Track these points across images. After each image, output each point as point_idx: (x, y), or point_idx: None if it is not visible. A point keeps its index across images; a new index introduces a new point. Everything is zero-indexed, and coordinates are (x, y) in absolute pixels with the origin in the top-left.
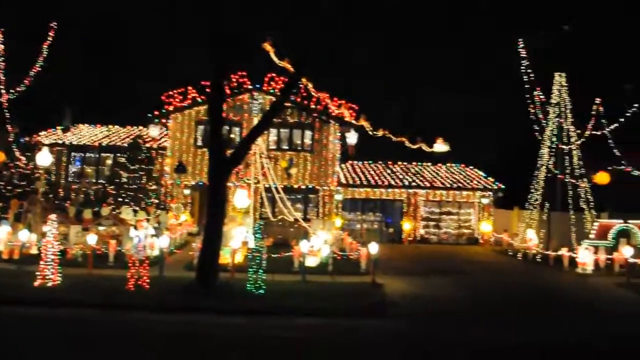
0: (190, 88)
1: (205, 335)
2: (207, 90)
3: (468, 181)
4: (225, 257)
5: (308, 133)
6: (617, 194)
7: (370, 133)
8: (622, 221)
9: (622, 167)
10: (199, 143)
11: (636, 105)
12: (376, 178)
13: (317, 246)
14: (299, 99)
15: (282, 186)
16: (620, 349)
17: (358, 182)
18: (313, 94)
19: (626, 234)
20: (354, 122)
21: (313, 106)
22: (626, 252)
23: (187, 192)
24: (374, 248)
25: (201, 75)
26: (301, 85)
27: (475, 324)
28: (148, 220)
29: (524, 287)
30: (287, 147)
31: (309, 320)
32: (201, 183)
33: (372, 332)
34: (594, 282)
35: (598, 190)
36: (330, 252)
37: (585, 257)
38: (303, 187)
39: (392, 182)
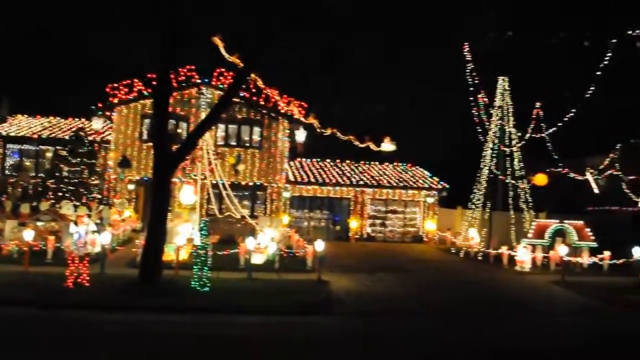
0: (136, 80)
1: (149, 334)
2: (154, 83)
3: (414, 180)
4: (169, 254)
5: (256, 129)
6: (555, 195)
7: (319, 131)
8: (558, 221)
9: (559, 169)
10: (145, 137)
11: (574, 110)
12: (324, 176)
13: (263, 243)
14: (247, 95)
15: (230, 183)
16: (555, 347)
17: (306, 179)
18: (262, 90)
19: (562, 233)
20: (303, 119)
21: (262, 102)
22: (561, 250)
23: (131, 187)
24: (320, 245)
25: (148, 67)
26: (250, 81)
27: (419, 322)
28: (89, 215)
29: (465, 285)
30: (235, 144)
31: (254, 318)
32: (146, 178)
33: (318, 329)
34: (531, 280)
35: (537, 191)
36: (277, 249)
37: (524, 255)
38: (251, 184)
39: (340, 180)
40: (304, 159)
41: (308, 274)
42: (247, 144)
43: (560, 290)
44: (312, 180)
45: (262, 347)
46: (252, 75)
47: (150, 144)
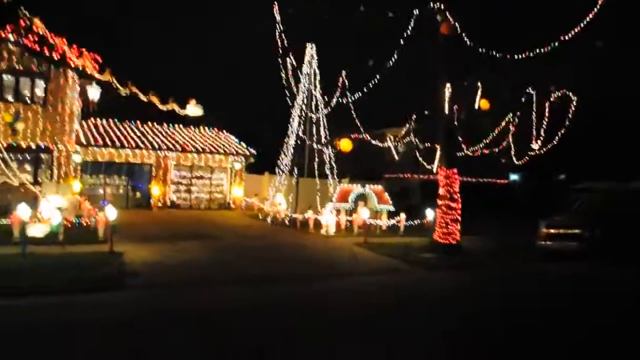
0: None
1: None
2: None
3: (221, 145)
4: None
5: (40, 83)
6: (356, 162)
7: (117, 89)
8: (360, 186)
9: (363, 136)
10: None
11: (376, 79)
12: (122, 139)
13: (46, 213)
14: (28, 42)
15: (6, 144)
16: (362, 304)
17: (101, 142)
18: (47, 38)
19: (363, 197)
20: (97, 74)
21: (47, 52)
22: (363, 214)
23: None
24: (112, 213)
25: None
26: (35, 27)
27: (222, 290)
28: None
29: (272, 250)
30: (12, 99)
31: (30, 300)
32: None
33: (102, 307)
34: (336, 243)
35: (341, 157)
36: (63, 219)
37: (329, 219)
38: (33, 146)
39: (140, 144)
40: (99, 120)
41: (100, 245)
42: (28, 100)
43: (364, 252)
44: (108, 142)
45: (33, 332)
46: (36, 21)
47: None
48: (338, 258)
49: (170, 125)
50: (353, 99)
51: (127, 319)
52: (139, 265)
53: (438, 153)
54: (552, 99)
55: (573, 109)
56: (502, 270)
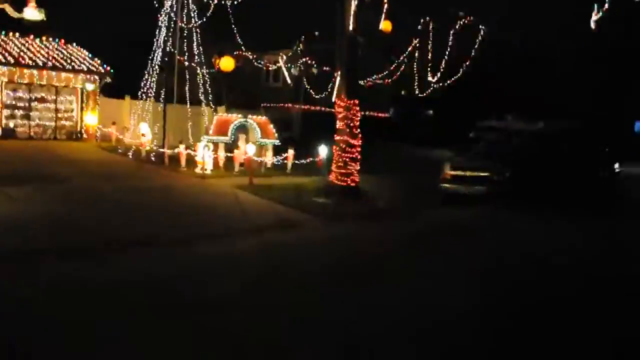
0: None
1: None
2: None
3: (69, 61)
4: None
5: None
6: (233, 87)
7: None
8: (241, 116)
9: (249, 54)
10: None
11: None
12: None
13: None
14: None
15: None
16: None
17: None
18: None
19: (245, 129)
20: None
21: None
22: (249, 149)
23: None
24: None
25: None
26: None
27: (37, 265)
28: None
29: (131, 196)
30: None
31: None
32: None
33: None
34: (215, 185)
35: (217, 82)
36: None
37: (205, 155)
38: None
39: None
40: None
41: None
42: None
43: (249, 197)
44: None
45: None
46: None
47: None
48: (217, 207)
49: (2, 33)
50: (235, 2)
51: None
52: None
53: (337, 79)
54: (457, 27)
55: (480, 39)
56: (415, 220)
